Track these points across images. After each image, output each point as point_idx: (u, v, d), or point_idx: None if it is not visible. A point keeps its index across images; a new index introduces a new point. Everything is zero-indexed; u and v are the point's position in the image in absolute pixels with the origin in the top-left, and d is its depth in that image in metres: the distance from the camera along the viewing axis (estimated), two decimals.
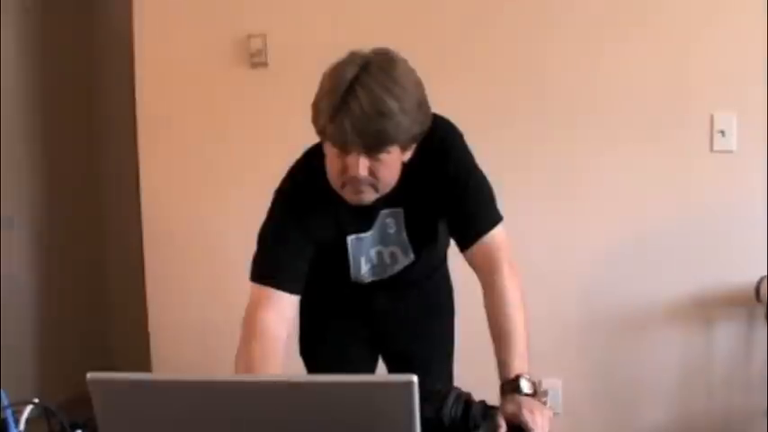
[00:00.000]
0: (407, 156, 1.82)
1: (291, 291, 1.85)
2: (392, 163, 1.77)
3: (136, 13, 3.41)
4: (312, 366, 2.18)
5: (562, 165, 3.07)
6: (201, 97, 3.42)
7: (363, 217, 1.91)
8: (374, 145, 1.71)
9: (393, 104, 1.68)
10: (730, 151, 2.92)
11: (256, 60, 3.31)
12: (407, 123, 1.71)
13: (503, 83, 3.10)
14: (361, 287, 2.05)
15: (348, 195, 1.81)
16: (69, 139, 3.88)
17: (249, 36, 3.30)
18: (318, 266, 1.94)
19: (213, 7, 3.34)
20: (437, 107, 1.87)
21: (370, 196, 1.81)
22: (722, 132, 2.92)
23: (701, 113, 2.94)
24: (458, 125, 1.94)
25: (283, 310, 1.84)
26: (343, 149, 1.73)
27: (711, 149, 2.94)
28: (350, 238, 1.94)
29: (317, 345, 2.22)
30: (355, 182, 1.76)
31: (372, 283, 2.04)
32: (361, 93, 1.67)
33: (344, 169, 1.76)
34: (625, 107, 3.00)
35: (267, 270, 1.86)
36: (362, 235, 1.94)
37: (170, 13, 3.39)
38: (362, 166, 1.73)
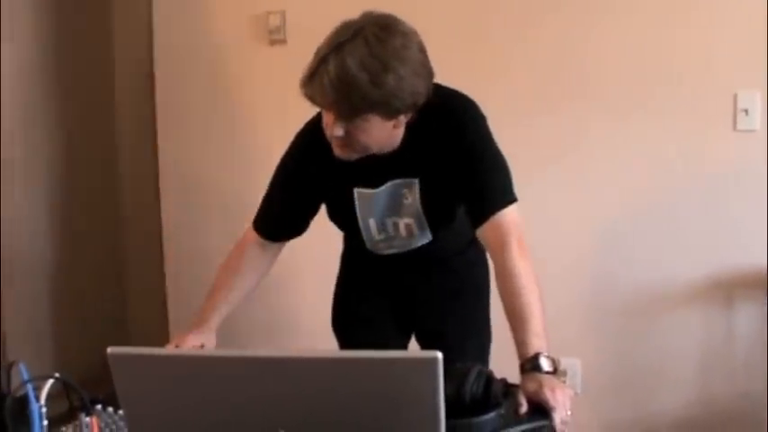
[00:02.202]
0: (398, 124, 1.80)
1: (272, 238, 2.04)
2: (371, 130, 1.77)
3: None
4: (343, 341, 2.21)
5: (581, 143, 3.04)
6: (219, 75, 3.41)
7: (368, 175, 1.92)
8: (345, 113, 1.72)
9: (362, 76, 1.66)
10: (753, 130, 2.89)
11: (275, 37, 3.30)
12: (378, 96, 1.68)
13: (512, 54, 3.08)
14: (389, 262, 2.07)
15: (334, 149, 1.82)
16: (86, 116, 3.87)
17: (268, 13, 3.29)
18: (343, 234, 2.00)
19: None
20: (451, 80, 1.86)
21: (352, 154, 1.83)
22: (746, 111, 2.88)
23: (724, 92, 2.90)
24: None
25: (264, 247, 2.05)
26: (323, 108, 1.77)
27: (735, 128, 2.90)
28: (356, 191, 1.94)
29: (349, 319, 2.24)
30: (333, 139, 1.79)
31: (399, 258, 2.05)
32: (332, 61, 1.66)
33: (327, 124, 1.78)
34: (647, 85, 2.96)
35: (259, 215, 2.06)
36: (367, 190, 1.94)
37: None
38: (337, 127, 1.75)
